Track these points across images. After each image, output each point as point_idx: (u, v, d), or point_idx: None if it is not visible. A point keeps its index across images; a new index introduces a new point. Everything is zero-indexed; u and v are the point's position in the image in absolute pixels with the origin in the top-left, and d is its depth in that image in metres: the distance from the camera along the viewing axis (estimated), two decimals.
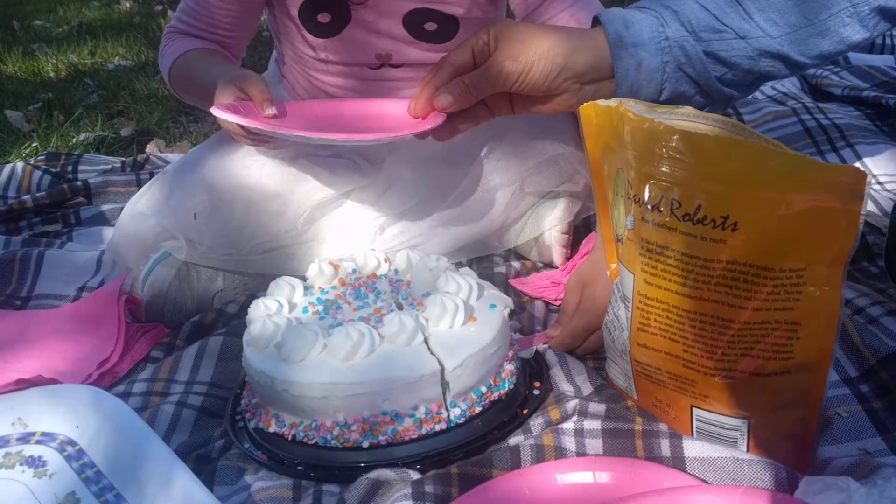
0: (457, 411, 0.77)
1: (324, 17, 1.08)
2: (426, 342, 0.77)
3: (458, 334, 0.78)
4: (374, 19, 1.07)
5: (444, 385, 0.75)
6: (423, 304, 0.81)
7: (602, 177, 0.74)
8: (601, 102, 0.70)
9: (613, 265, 0.76)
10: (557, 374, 0.85)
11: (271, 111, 0.91)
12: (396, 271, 0.90)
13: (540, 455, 0.72)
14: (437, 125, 0.84)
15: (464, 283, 0.83)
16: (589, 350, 0.91)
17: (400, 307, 0.83)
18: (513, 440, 0.76)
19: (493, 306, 0.82)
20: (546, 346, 0.89)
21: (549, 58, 0.77)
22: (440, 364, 0.74)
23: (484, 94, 0.81)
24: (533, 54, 0.77)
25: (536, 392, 0.82)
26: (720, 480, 0.67)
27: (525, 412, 0.80)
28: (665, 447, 0.70)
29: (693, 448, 0.69)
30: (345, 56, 1.13)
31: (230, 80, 0.95)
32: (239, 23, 1.14)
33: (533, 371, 0.86)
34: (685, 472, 0.68)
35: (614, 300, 0.76)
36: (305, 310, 0.83)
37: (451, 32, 1.10)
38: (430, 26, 1.08)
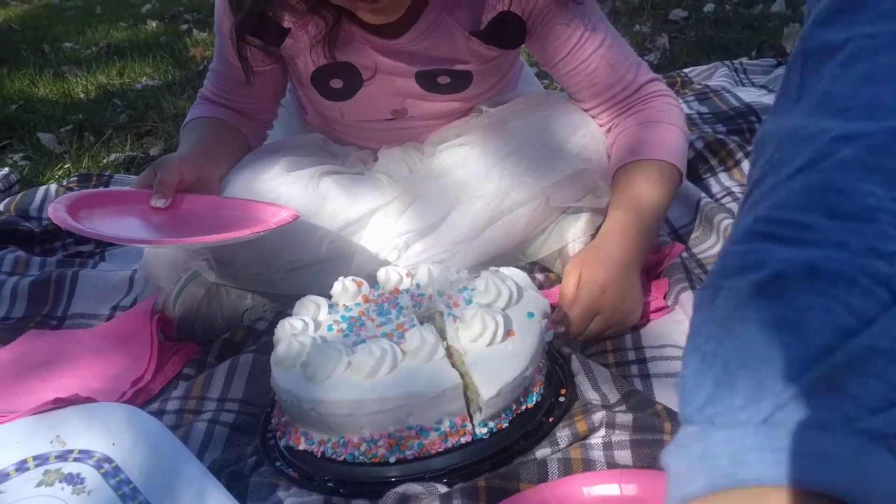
0: (484, 429, 0.78)
1: (336, 83, 1.10)
2: (462, 361, 0.77)
3: (496, 355, 0.78)
4: (385, 80, 1.09)
5: (476, 408, 0.76)
6: (458, 304, 0.82)
7: None
8: None
9: None
10: (583, 382, 0.85)
11: (157, 203, 1.00)
12: (418, 285, 0.91)
13: (567, 468, 0.73)
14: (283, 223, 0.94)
15: (504, 288, 0.84)
16: (591, 337, 0.93)
17: (422, 322, 0.84)
18: (540, 453, 0.77)
19: (530, 315, 0.82)
20: (554, 332, 0.91)
21: None
22: (477, 391, 0.75)
23: None
24: None
25: (562, 399, 0.83)
26: None
27: (551, 420, 0.80)
28: None
29: None
30: (360, 114, 1.15)
31: (154, 164, 1.04)
32: (262, 89, 1.15)
33: (559, 378, 0.87)
34: None
35: None
36: (330, 328, 0.85)
37: (465, 84, 1.11)
38: (444, 80, 1.09)
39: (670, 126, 1.05)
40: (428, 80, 1.09)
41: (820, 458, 0.33)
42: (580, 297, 0.92)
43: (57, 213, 0.92)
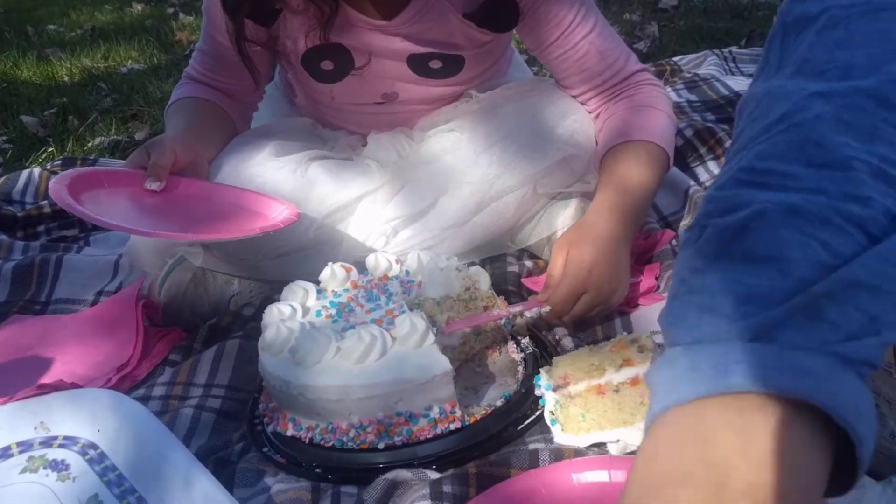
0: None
1: (327, 65, 1.09)
2: None
3: None
4: (377, 63, 1.08)
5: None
6: None
7: None
8: None
9: None
10: None
11: (151, 186, 0.99)
12: (408, 272, 0.91)
13: (558, 456, 0.73)
14: (288, 222, 0.96)
15: None
16: (577, 316, 0.93)
17: (412, 308, 0.83)
18: (533, 446, 0.76)
19: None
20: (540, 310, 0.91)
21: None
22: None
23: None
24: None
25: None
26: None
27: (540, 407, 0.80)
28: None
29: None
30: (350, 97, 1.14)
31: (145, 145, 1.02)
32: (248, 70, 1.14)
33: (547, 364, 0.87)
34: None
35: None
36: (319, 313, 0.84)
37: (457, 69, 1.10)
38: (436, 64, 1.09)
39: (658, 111, 1.06)
40: (420, 65, 1.08)
41: (799, 372, 0.36)
42: (567, 276, 0.92)
43: (60, 195, 0.91)
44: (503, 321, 0.90)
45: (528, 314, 0.91)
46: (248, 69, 1.09)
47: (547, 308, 0.92)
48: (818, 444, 0.36)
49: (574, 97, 1.11)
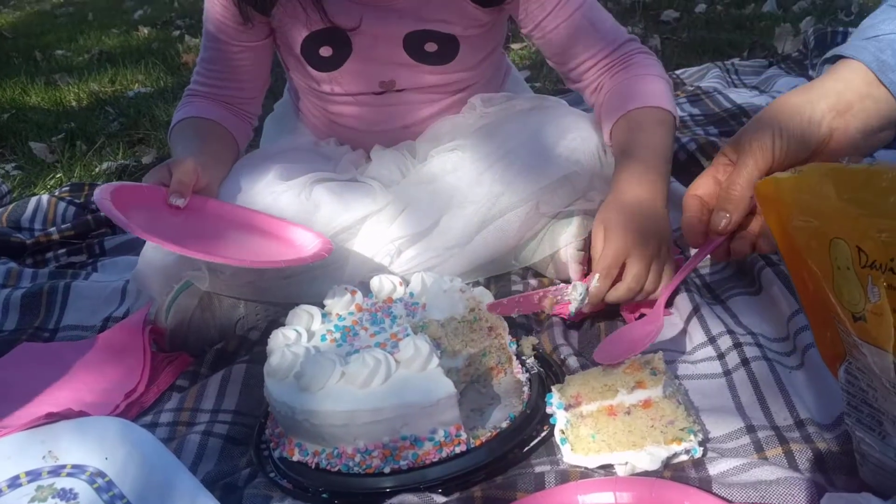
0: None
1: (325, 51, 1.11)
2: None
3: None
4: (374, 45, 1.09)
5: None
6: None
7: (797, 253, 0.65)
8: (781, 174, 0.64)
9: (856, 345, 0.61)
10: None
11: (177, 202, 1.00)
12: (412, 294, 0.91)
13: (564, 478, 0.72)
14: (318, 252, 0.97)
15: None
16: (628, 297, 0.93)
17: (416, 331, 0.83)
18: (539, 469, 0.76)
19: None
20: (587, 286, 0.92)
21: (794, 109, 0.74)
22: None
23: (746, 189, 0.74)
24: (776, 115, 0.74)
25: None
26: (746, 500, 0.66)
27: (546, 428, 0.80)
28: (690, 468, 0.70)
29: (718, 467, 0.69)
30: (350, 86, 1.15)
31: (166, 163, 1.04)
32: (251, 72, 1.17)
33: (552, 384, 0.86)
34: (710, 492, 0.68)
35: (861, 392, 0.63)
36: (324, 338, 0.84)
37: (453, 53, 1.12)
38: (431, 47, 1.10)
39: (656, 77, 1.09)
40: (415, 47, 1.10)
41: None
42: (608, 241, 0.92)
43: (109, 209, 0.92)
44: (510, 343, 0.90)
45: (577, 291, 0.92)
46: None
47: (595, 283, 0.92)
48: None
49: (570, 70, 1.13)
